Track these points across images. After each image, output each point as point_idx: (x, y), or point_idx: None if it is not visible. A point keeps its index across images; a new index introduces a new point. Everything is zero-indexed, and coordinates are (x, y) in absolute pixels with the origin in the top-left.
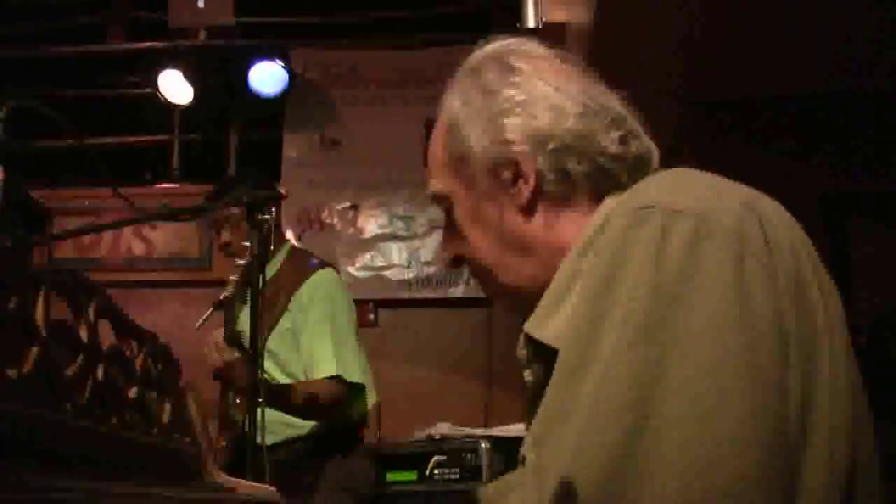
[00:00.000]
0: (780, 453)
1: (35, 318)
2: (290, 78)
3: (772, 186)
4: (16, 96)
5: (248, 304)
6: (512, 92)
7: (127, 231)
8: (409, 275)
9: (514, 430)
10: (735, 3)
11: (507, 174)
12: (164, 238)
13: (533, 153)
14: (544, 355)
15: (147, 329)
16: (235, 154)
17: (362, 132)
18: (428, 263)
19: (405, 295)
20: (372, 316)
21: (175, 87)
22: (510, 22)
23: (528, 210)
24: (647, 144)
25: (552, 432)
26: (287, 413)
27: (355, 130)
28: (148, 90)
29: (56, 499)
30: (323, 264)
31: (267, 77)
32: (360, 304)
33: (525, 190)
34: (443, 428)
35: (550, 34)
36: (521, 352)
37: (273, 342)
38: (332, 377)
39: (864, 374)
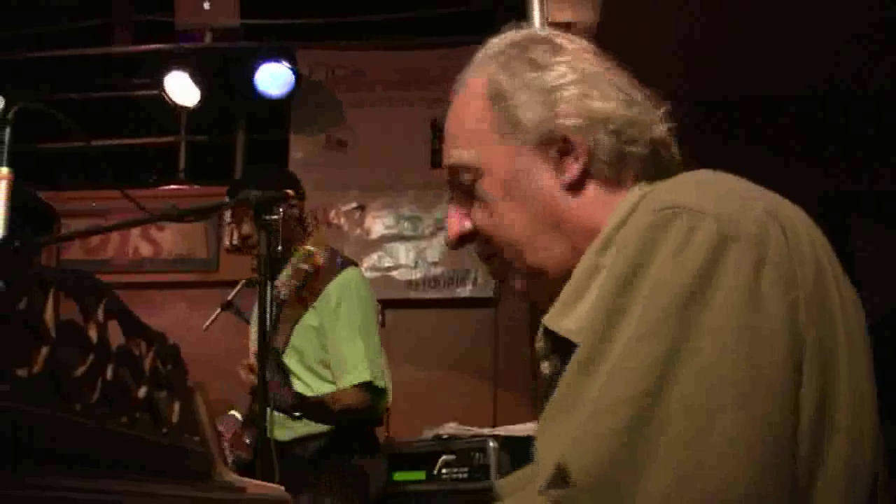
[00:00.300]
0: (780, 463)
1: (44, 318)
2: (296, 79)
3: (771, 187)
4: (23, 98)
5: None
6: (564, 69)
7: (134, 232)
8: (415, 275)
9: (522, 429)
10: (735, 3)
11: (555, 149)
12: (171, 239)
13: (586, 132)
14: (562, 348)
15: (155, 329)
16: (242, 155)
17: (368, 133)
18: (435, 264)
19: (412, 295)
20: (379, 316)
21: (181, 88)
22: (515, 22)
23: (573, 188)
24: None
25: (556, 422)
26: (321, 423)
27: (361, 131)
28: (154, 92)
29: (63, 498)
30: (348, 262)
31: (273, 78)
32: None
33: (574, 167)
34: (451, 427)
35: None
36: (539, 344)
37: (296, 338)
38: (363, 383)
39: None
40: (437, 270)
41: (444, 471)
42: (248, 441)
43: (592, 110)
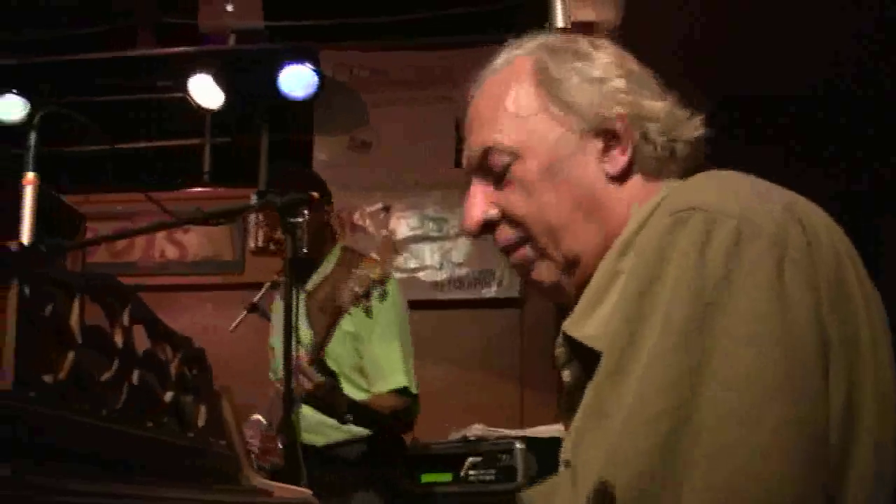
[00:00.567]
0: (819, 464)
1: (70, 323)
2: (320, 80)
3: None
4: (47, 104)
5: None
6: (609, 62)
7: (160, 235)
8: (441, 276)
9: (549, 430)
10: (735, 3)
11: (602, 138)
12: (197, 241)
13: (634, 124)
14: (582, 354)
15: (181, 333)
16: (265, 157)
17: (392, 134)
18: (460, 265)
19: (437, 296)
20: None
21: (205, 91)
22: (536, 22)
23: (617, 179)
24: None
25: (590, 434)
26: (365, 428)
27: (385, 132)
28: (178, 94)
29: (90, 503)
30: None
31: (296, 80)
32: None
33: (621, 159)
34: (477, 429)
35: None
36: (560, 350)
37: (333, 343)
38: (400, 389)
39: None
40: (463, 271)
41: (470, 472)
42: (281, 446)
43: (641, 105)
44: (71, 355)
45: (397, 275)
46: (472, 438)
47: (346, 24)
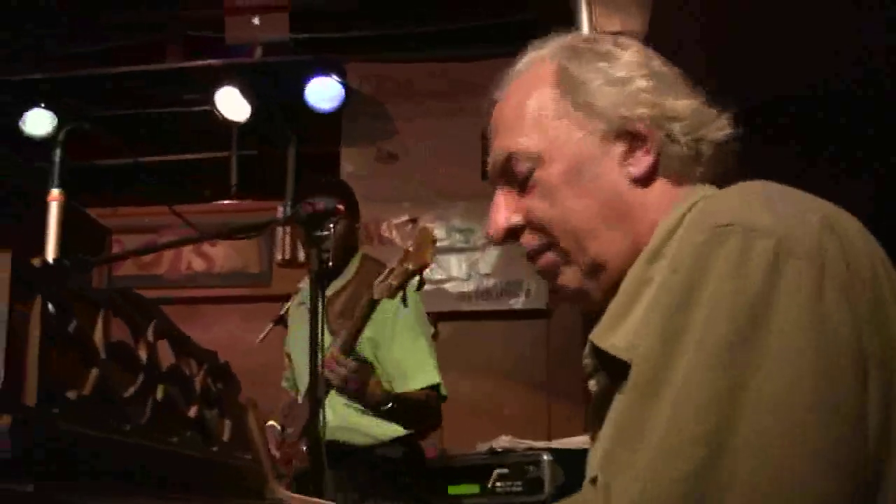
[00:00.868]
0: (859, 485)
1: (94, 339)
2: (346, 92)
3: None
4: (73, 118)
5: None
6: (634, 62)
7: (187, 248)
8: (468, 287)
9: (576, 442)
10: (735, 3)
11: (625, 140)
12: (224, 254)
13: (658, 125)
14: (609, 365)
15: (206, 347)
16: (293, 169)
17: (419, 145)
18: (487, 275)
19: (465, 307)
20: (432, 329)
21: (232, 103)
22: (562, 32)
23: (642, 182)
24: None
25: (623, 455)
26: (397, 422)
27: (412, 143)
28: (205, 107)
29: None
30: None
31: (323, 92)
32: None
33: (645, 161)
34: (504, 441)
35: None
36: (587, 361)
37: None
38: (432, 386)
39: None
40: (490, 282)
41: (498, 484)
42: (305, 449)
43: (665, 105)
44: (95, 371)
45: (425, 286)
46: (499, 450)
47: (372, 36)
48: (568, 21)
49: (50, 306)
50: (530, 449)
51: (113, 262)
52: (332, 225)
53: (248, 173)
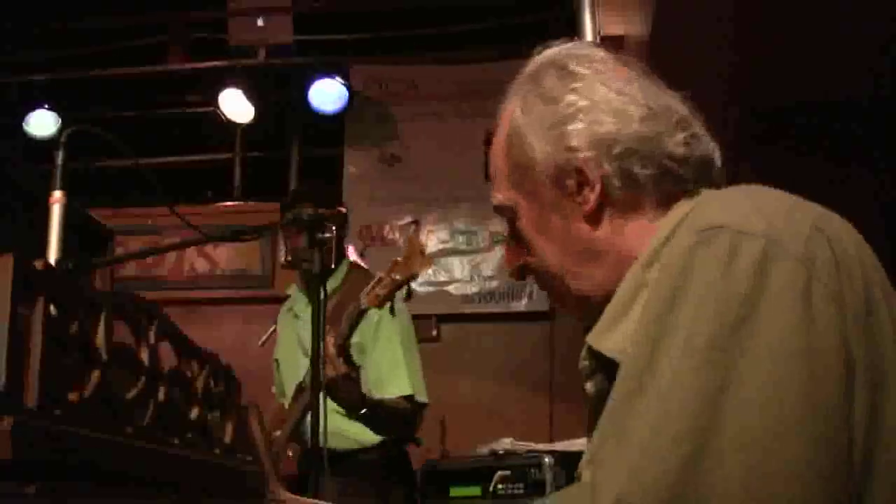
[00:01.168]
0: (841, 487)
1: (96, 341)
2: (350, 95)
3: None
4: (76, 120)
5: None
6: (573, 98)
7: (190, 249)
8: (471, 289)
9: (578, 444)
10: (772, 11)
11: (571, 182)
12: (226, 255)
13: (598, 159)
14: (606, 367)
15: (208, 349)
16: (296, 171)
17: (422, 147)
18: (490, 278)
19: (468, 310)
20: (434, 331)
21: (236, 105)
22: (567, 35)
23: (594, 217)
24: (710, 145)
25: (608, 451)
26: (370, 427)
27: (415, 146)
28: (209, 109)
29: None
30: None
31: (327, 94)
32: (422, 319)
33: (591, 197)
34: (506, 443)
35: (609, 47)
36: (584, 363)
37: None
38: (406, 396)
39: None
40: (493, 284)
41: (499, 486)
42: (290, 454)
43: (600, 137)
44: (96, 373)
45: (428, 288)
46: (501, 452)
47: (375, 38)
48: (574, 24)
49: (52, 308)
50: (532, 451)
51: (115, 264)
52: (333, 227)
53: (251, 175)
